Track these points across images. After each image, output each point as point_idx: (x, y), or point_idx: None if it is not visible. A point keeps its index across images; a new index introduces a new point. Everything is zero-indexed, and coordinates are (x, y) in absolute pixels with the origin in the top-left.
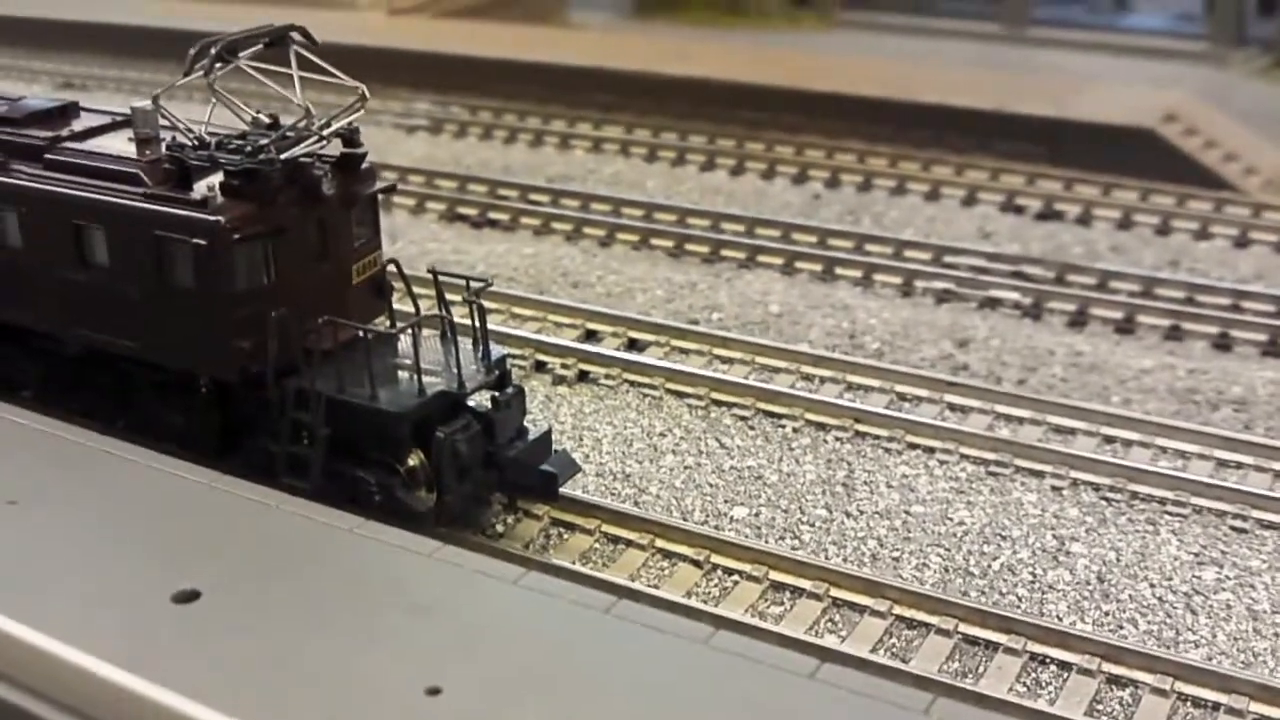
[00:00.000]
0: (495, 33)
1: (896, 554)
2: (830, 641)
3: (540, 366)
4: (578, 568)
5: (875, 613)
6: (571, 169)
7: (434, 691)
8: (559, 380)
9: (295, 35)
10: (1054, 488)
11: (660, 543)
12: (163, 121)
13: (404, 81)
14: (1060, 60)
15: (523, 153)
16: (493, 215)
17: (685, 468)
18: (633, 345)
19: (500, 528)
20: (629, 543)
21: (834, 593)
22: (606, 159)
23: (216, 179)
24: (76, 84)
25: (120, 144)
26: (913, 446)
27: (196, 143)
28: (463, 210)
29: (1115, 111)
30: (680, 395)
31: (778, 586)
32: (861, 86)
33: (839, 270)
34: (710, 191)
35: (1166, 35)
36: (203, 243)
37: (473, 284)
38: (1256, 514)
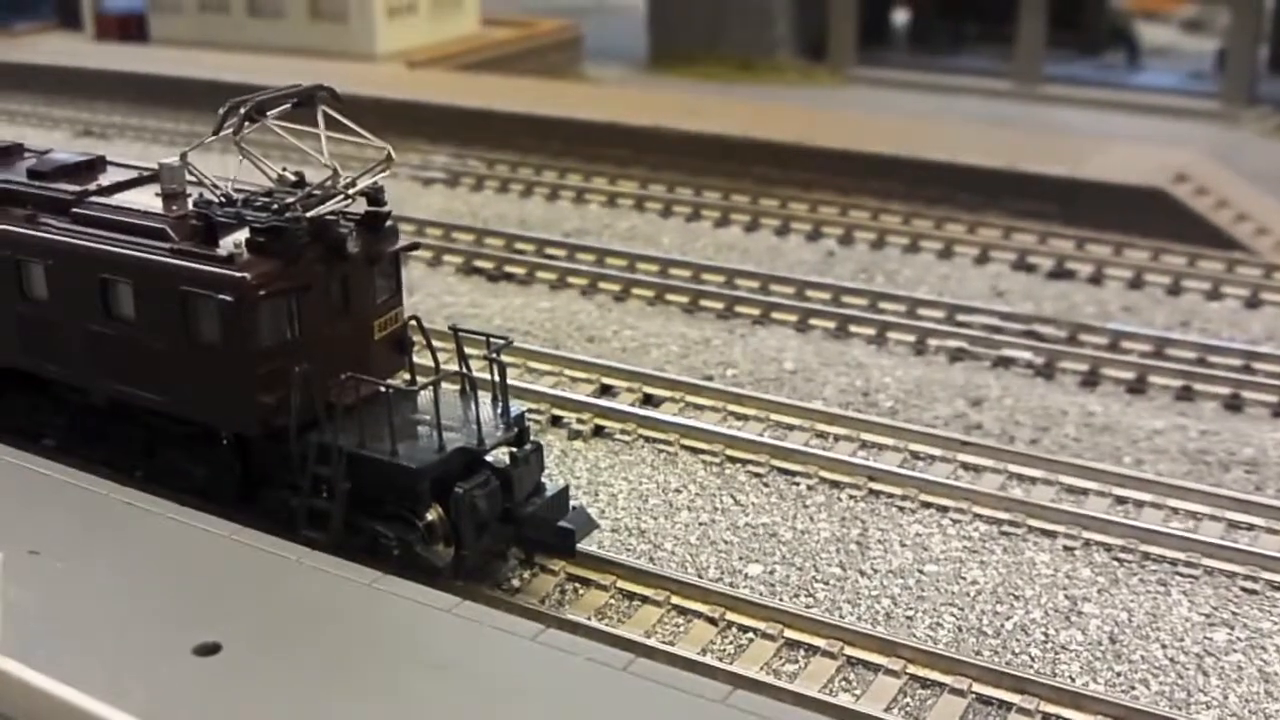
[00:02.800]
0: (512, 86)
1: (910, 613)
2: (844, 700)
3: (556, 421)
4: (593, 624)
5: (889, 672)
6: (587, 223)
7: None
8: (575, 435)
9: (323, 95)
10: (1066, 548)
11: (676, 599)
12: (189, 177)
13: (422, 134)
14: (1071, 118)
15: (539, 206)
16: (509, 269)
17: (700, 524)
18: (648, 401)
19: (516, 582)
20: (644, 599)
21: (848, 651)
22: (622, 214)
23: (243, 236)
24: (96, 132)
25: (147, 199)
26: (926, 505)
27: (223, 199)
28: (479, 264)
29: (1127, 171)
30: (695, 451)
31: (792, 644)
32: (874, 143)
33: (853, 328)
34: (725, 247)
35: (1178, 93)
36: (228, 299)
37: (493, 342)
38: (1268, 575)
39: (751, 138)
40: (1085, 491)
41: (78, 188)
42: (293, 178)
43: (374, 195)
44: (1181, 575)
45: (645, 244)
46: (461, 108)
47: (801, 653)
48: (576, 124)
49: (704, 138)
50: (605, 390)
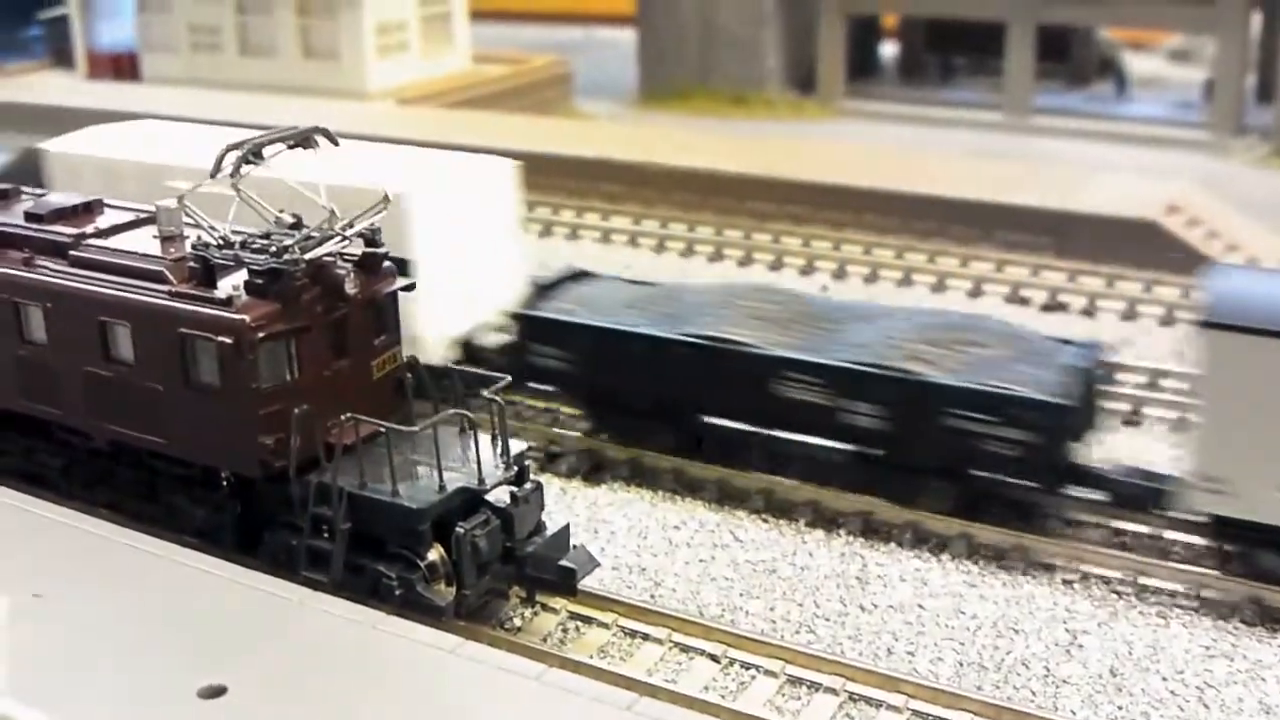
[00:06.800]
0: (502, 123)
1: (911, 648)
2: None
3: (554, 459)
4: (595, 662)
5: (891, 707)
6: (580, 260)
7: None
8: (573, 473)
9: (319, 136)
10: (1065, 581)
11: (677, 636)
12: (187, 219)
13: None
14: (1061, 149)
15: (531, 243)
16: None
17: (700, 561)
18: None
19: (518, 621)
20: (646, 637)
21: (850, 687)
22: (615, 249)
23: (241, 278)
24: None
25: (145, 241)
26: (923, 540)
27: (221, 241)
28: None
29: (1119, 203)
30: (693, 488)
31: (795, 681)
32: (867, 178)
33: None
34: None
35: (1166, 124)
36: (227, 341)
37: (492, 381)
38: (1266, 607)
39: (744, 173)
40: (1082, 524)
41: (75, 230)
42: (290, 219)
43: (371, 236)
44: (1180, 608)
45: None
46: (452, 145)
47: (804, 689)
48: (568, 160)
49: (696, 173)
50: None
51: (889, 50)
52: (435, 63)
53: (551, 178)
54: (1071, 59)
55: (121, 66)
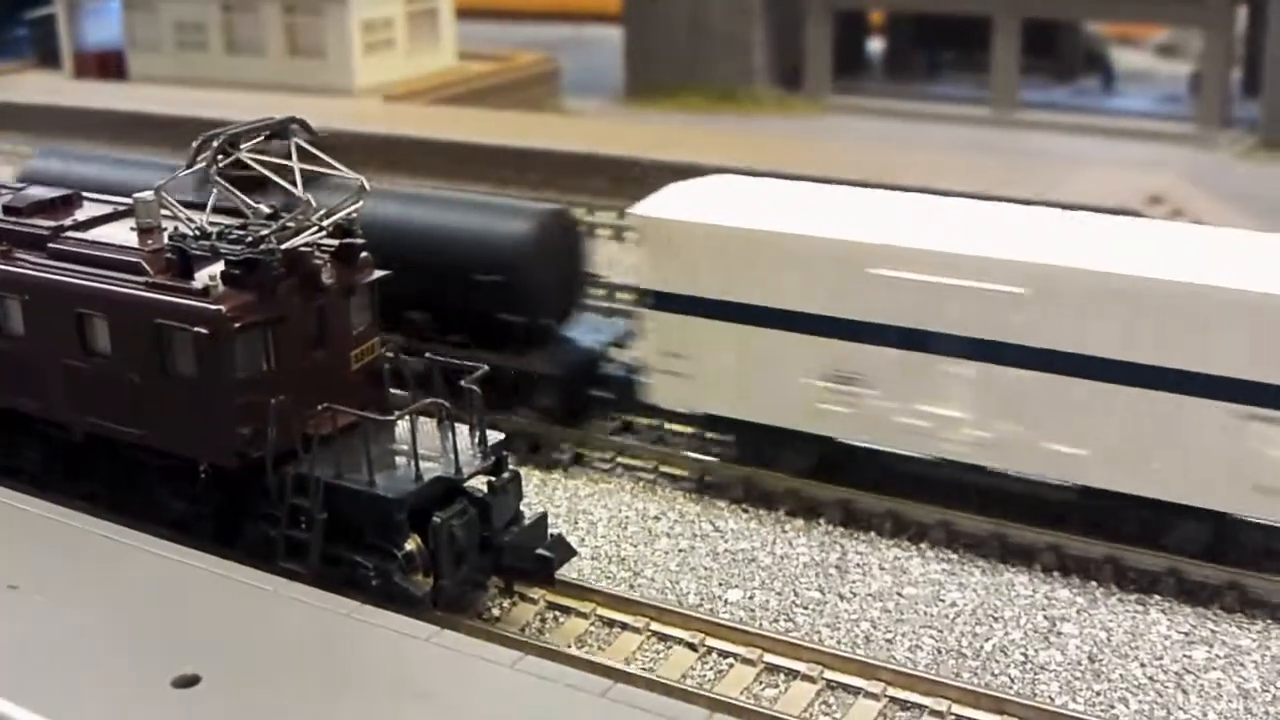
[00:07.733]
0: (490, 119)
1: (889, 636)
2: None
3: (535, 449)
4: (573, 651)
5: (869, 694)
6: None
7: None
8: (554, 464)
9: (295, 127)
10: (1044, 568)
11: (655, 626)
12: (164, 211)
13: (402, 168)
14: (1048, 142)
15: None
16: None
17: (679, 550)
18: (627, 428)
19: (496, 611)
20: (624, 626)
21: (828, 675)
22: (601, 244)
23: (218, 268)
24: None
25: (122, 233)
26: (903, 529)
27: (198, 232)
28: None
29: (1102, 194)
30: (674, 479)
31: (772, 669)
32: (851, 171)
33: None
34: None
35: (1153, 117)
36: (204, 331)
37: (469, 371)
38: (1246, 593)
39: (726, 167)
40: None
41: (53, 223)
42: (267, 210)
43: (348, 227)
44: (1160, 594)
45: (624, 274)
46: (440, 141)
47: (781, 677)
48: (554, 155)
49: (682, 168)
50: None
51: (876, 46)
52: (421, 60)
53: (537, 173)
54: (1058, 53)
55: (108, 65)
